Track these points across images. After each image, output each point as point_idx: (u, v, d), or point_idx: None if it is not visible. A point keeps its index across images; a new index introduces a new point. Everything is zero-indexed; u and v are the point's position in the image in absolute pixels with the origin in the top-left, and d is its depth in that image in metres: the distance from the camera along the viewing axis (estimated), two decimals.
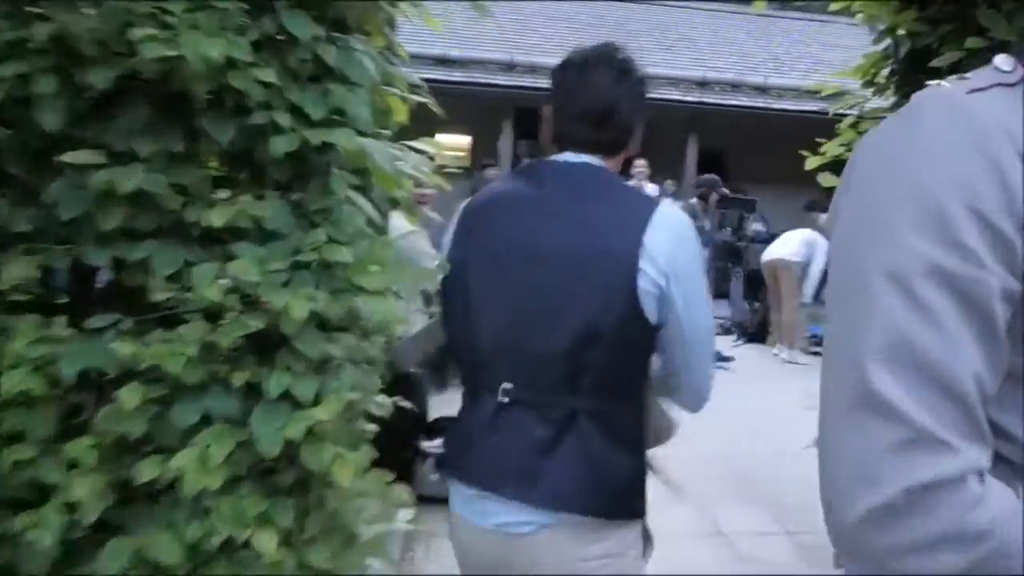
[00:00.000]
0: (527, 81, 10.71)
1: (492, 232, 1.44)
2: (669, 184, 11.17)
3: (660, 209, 1.38)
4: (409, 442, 4.15)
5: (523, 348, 1.38)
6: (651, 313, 1.34)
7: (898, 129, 0.77)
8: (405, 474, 3.90)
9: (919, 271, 0.68)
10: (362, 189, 1.62)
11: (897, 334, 0.68)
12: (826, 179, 2.53)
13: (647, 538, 1.53)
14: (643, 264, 1.31)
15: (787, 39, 13.88)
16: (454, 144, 14.34)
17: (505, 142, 10.95)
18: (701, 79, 11.31)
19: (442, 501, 1.59)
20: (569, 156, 1.44)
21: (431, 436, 4.26)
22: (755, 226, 11.79)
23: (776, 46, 13.46)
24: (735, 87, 11.40)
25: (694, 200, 7.59)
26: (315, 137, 1.38)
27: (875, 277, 0.70)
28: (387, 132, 1.85)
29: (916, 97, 0.77)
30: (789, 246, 7.99)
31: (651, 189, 8.63)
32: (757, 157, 12.21)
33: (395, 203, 1.86)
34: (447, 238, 1.54)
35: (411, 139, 1.91)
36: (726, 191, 7.47)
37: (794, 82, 11.71)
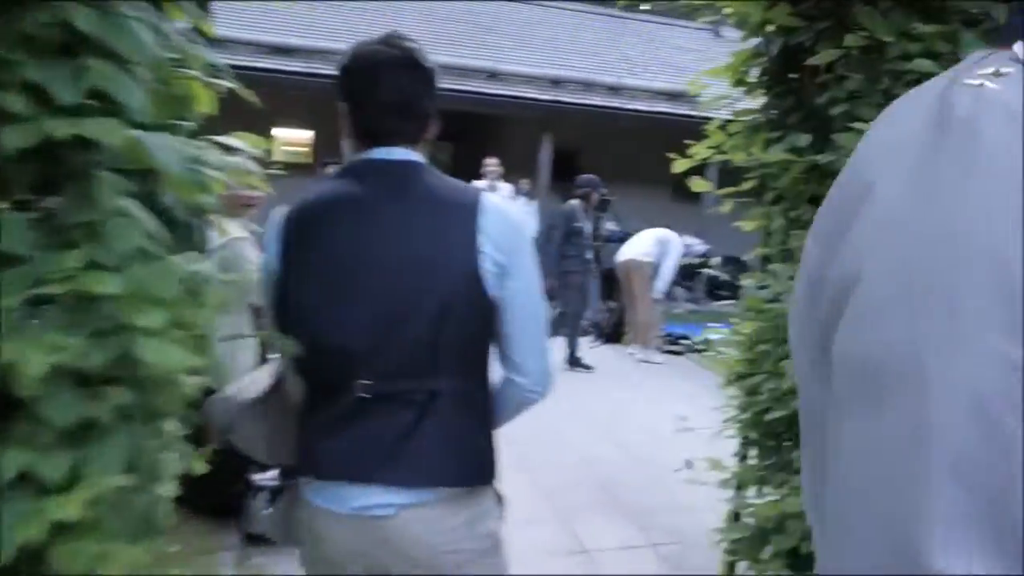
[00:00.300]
0: None
1: (329, 237, 1.44)
2: (524, 183, 11.09)
3: (483, 195, 1.48)
4: (239, 475, 3.74)
5: (381, 345, 1.41)
6: (494, 291, 1.44)
7: (942, 150, 0.51)
8: (234, 510, 3.51)
9: (1009, 393, 0.44)
10: (146, 197, 1.26)
11: (976, 491, 0.44)
12: (696, 184, 2.37)
13: (499, 498, 1.60)
14: (482, 245, 1.41)
15: (640, 40, 14.18)
16: (295, 139, 13.68)
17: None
18: (555, 78, 11.29)
19: (274, 542, 1.50)
20: (382, 151, 1.48)
21: (263, 467, 3.87)
22: (609, 225, 11.94)
23: (629, 47, 13.70)
24: (588, 87, 11.46)
25: (576, 201, 7.47)
26: (62, 128, 1.02)
27: (938, 389, 0.45)
28: (188, 125, 1.49)
29: (951, 97, 0.52)
30: (641, 246, 8.06)
31: (505, 189, 8.46)
32: (610, 157, 12.37)
33: (201, 212, 1.50)
34: (270, 245, 1.51)
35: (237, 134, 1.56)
36: (606, 191, 7.45)
37: (646, 83, 11.93)
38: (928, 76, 1.65)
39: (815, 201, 2.02)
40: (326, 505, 1.46)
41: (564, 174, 12.28)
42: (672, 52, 13.89)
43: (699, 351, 8.39)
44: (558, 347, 7.27)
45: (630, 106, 11.23)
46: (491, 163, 8.36)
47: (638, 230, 11.23)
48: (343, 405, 1.43)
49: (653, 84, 11.93)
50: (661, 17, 15.70)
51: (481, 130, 11.89)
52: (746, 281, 2.35)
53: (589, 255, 7.89)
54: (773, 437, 2.05)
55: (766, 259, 2.56)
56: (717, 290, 12.24)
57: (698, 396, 6.60)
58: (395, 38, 1.49)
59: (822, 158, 1.87)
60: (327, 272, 1.44)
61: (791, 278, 1.96)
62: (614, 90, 11.51)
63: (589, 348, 8.31)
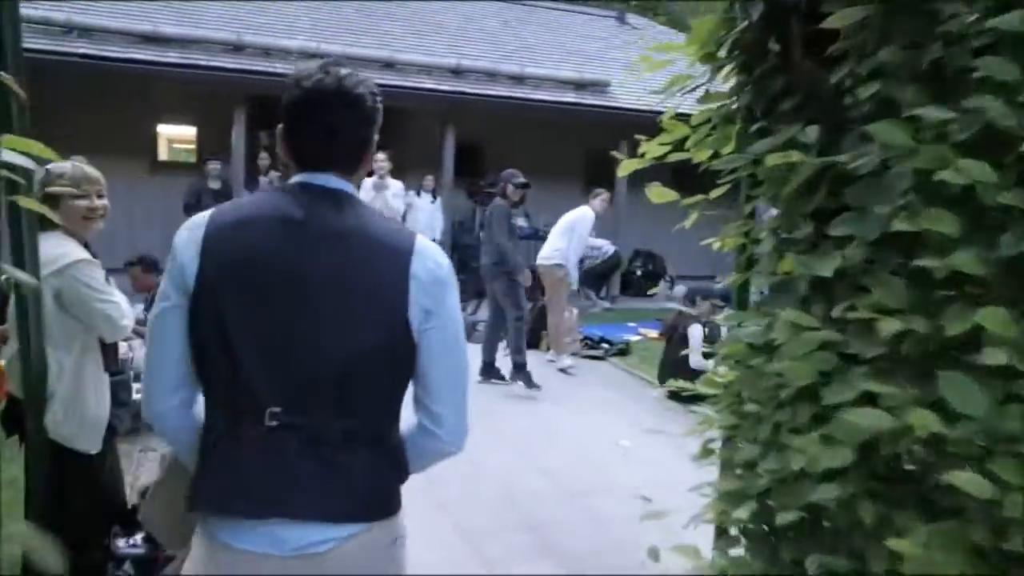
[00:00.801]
0: (260, 65, 9.40)
1: (253, 256, 1.38)
2: (428, 180, 10.42)
3: (419, 239, 1.46)
4: (99, 540, 3.02)
5: (293, 374, 1.37)
6: (417, 336, 1.42)
7: None
8: None
9: None
10: None
11: None
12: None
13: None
14: (413, 290, 1.40)
15: (542, 28, 13.68)
16: (179, 136, 12.56)
17: (238, 134, 9.55)
18: (456, 67, 10.65)
19: None
20: (315, 177, 1.45)
21: (128, 531, 3.15)
22: (519, 222, 11.41)
23: (531, 35, 13.18)
24: (491, 76, 10.87)
25: (501, 200, 6.89)
26: None
27: None
28: None
29: None
30: (547, 247, 7.58)
31: (394, 186, 7.75)
32: (516, 149, 11.82)
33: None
34: (184, 256, 1.40)
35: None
36: (523, 181, 6.92)
37: (550, 72, 11.43)
38: (1018, 38, 1.15)
39: (820, 216, 1.49)
40: (245, 546, 1.38)
41: (468, 169, 11.72)
42: (576, 40, 13.45)
43: (620, 354, 7.96)
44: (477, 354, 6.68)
45: (535, 96, 10.70)
46: (379, 158, 7.63)
47: (549, 226, 10.82)
48: (252, 435, 1.37)
49: (558, 73, 11.45)
50: (563, 4, 15.27)
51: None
52: (725, 319, 1.80)
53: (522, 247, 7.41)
54: (781, 537, 1.52)
55: (743, 288, 2.03)
56: (629, 288, 11.91)
57: (625, 407, 6.17)
58: (334, 66, 1.45)
59: (847, 159, 1.34)
60: (247, 292, 1.37)
61: (797, 324, 1.41)
62: (517, 79, 10.96)
63: (504, 355, 7.76)
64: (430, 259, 1.44)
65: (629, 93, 11.53)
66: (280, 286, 1.37)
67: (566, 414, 5.98)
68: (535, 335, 8.04)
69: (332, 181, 1.45)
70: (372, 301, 1.39)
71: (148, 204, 9.69)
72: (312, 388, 1.37)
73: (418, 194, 10.40)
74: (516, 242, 6.92)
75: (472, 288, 9.86)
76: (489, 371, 6.76)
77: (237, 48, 9.64)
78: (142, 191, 10.10)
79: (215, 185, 9.21)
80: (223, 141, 9.72)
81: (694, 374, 6.02)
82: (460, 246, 11.04)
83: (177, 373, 1.42)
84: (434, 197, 10.45)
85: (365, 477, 1.41)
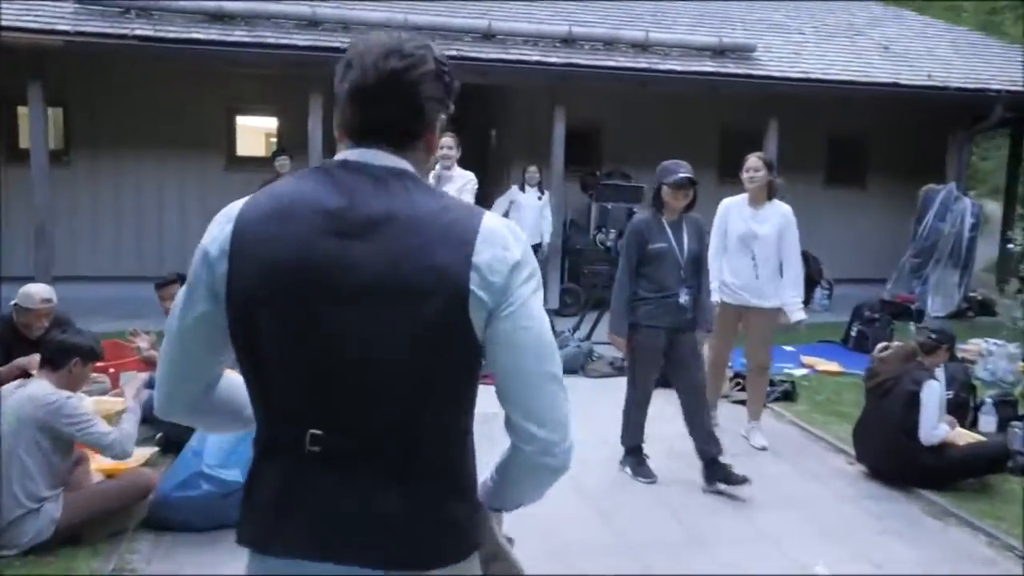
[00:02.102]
0: (338, 41, 8.02)
1: (281, 254, 1.17)
2: (533, 172, 8.78)
3: (487, 220, 1.22)
4: None
5: (336, 391, 1.18)
6: (484, 338, 1.20)
7: None
8: None
9: None
10: None
11: None
12: None
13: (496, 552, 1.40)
14: (475, 284, 1.16)
15: None
16: (260, 127, 11.46)
17: (314, 123, 8.22)
18: (566, 35, 8.96)
19: None
20: (364, 153, 1.24)
21: None
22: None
23: None
24: (608, 44, 9.12)
25: (648, 214, 4.94)
26: None
27: None
28: None
29: None
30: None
31: (462, 179, 6.00)
32: (637, 132, 10.04)
33: None
34: (214, 256, 1.21)
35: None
36: (685, 177, 4.99)
37: (680, 36, 9.55)
38: None
39: None
40: None
41: (582, 156, 10.04)
42: None
43: (784, 398, 6.08)
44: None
45: (662, 66, 8.85)
46: (444, 143, 5.93)
47: None
48: (292, 460, 1.19)
49: (691, 37, 9.55)
50: None
51: (477, 107, 9.62)
52: None
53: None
54: None
55: None
56: None
57: (810, 499, 4.14)
58: (405, 33, 1.27)
59: None
60: (282, 298, 1.17)
61: None
62: (640, 47, 9.15)
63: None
64: (499, 244, 1.19)
65: (780, 59, 9.51)
66: (319, 290, 1.16)
67: (729, 512, 4.20)
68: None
69: (380, 157, 1.23)
70: (427, 302, 1.15)
71: (225, 203, 8.50)
72: (359, 407, 1.18)
73: (522, 189, 8.79)
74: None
75: (586, 299, 8.20)
76: (636, 459, 4.58)
77: (312, 23, 8.30)
78: (217, 188, 9.02)
79: None
80: (305, 132, 8.43)
81: (926, 455, 4.24)
82: (572, 249, 9.37)
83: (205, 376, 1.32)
84: (541, 192, 8.82)
85: (426, 513, 1.19)
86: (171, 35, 7.63)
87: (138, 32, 7.55)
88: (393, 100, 1.22)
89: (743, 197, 5.04)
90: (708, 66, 9.03)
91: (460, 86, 1.29)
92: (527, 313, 1.19)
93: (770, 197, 4.96)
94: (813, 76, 9.27)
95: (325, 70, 7.82)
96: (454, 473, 1.24)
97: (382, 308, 1.15)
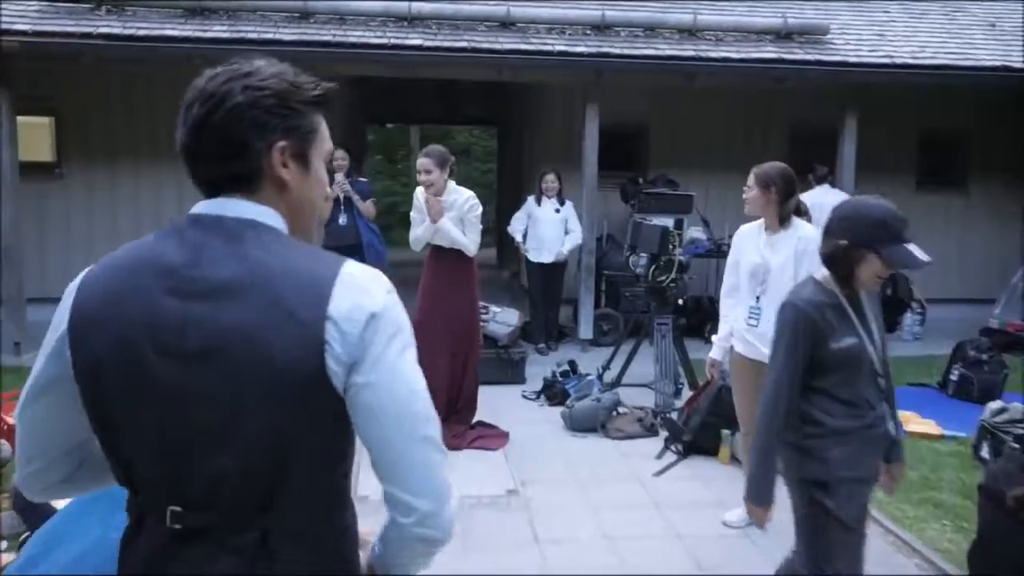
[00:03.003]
0: (330, 34, 6.96)
1: (119, 322, 1.10)
2: (550, 182, 7.52)
3: (345, 268, 1.13)
4: None
5: (191, 465, 1.10)
6: (346, 396, 1.11)
7: None
8: None
9: None
10: None
11: None
12: None
13: None
14: (330, 336, 1.08)
15: None
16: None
17: None
18: (600, 21, 7.68)
19: None
20: (214, 205, 1.15)
21: None
22: (694, 234, 8.31)
23: None
24: (650, 30, 7.79)
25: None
26: None
27: None
28: None
29: None
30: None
31: (455, 202, 4.94)
32: (686, 131, 8.68)
33: None
34: (61, 324, 1.15)
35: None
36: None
37: (737, 18, 8.14)
38: None
39: None
40: None
41: (619, 161, 8.73)
42: None
43: None
44: None
45: (715, 54, 7.47)
46: (422, 166, 4.91)
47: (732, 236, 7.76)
48: (156, 539, 1.12)
49: (750, 19, 8.12)
50: None
51: (507, 104, 8.45)
52: None
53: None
54: None
55: None
56: None
57: None
58: (237, 64, 1.17)
59: None
60: (124, 369, 1.09)
61: None
62: (688, 32, 7.79)
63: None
64: (357, 290, 1.10)
65: (859, 42, 8.00)
66: (162, 353, 1.08)
67: None
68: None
69: (234, 207, 1.14)
70: (280, 359, 1.05)
71: None
72: (216, 480, 1.09)
73: (538, 201, 7.56)
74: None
75: (626, 327, 6.92)
76: None
77: (303, 15, 7.27)
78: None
79: None
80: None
81: None
82: (609, 269, 8.08)
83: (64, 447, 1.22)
84: (560, 203, 7.55)
85: None
86: (140, 32, 6.71)
87: (103, 30, 6.67)
88: (211, 148, 1.14)
89: (761, 223, 3.80)
90: (770, 52, 7.60)
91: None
92: (391, 376, 1.10)
93: (783, 220, 3.68)
94: (900, 61, 7.70)
95: (318, 69, 6.77)
96: (324, 540, 1.15)
97: (232, 370, 1.06)
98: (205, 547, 1.09)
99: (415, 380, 1.13)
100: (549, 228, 7.43)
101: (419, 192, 5.06)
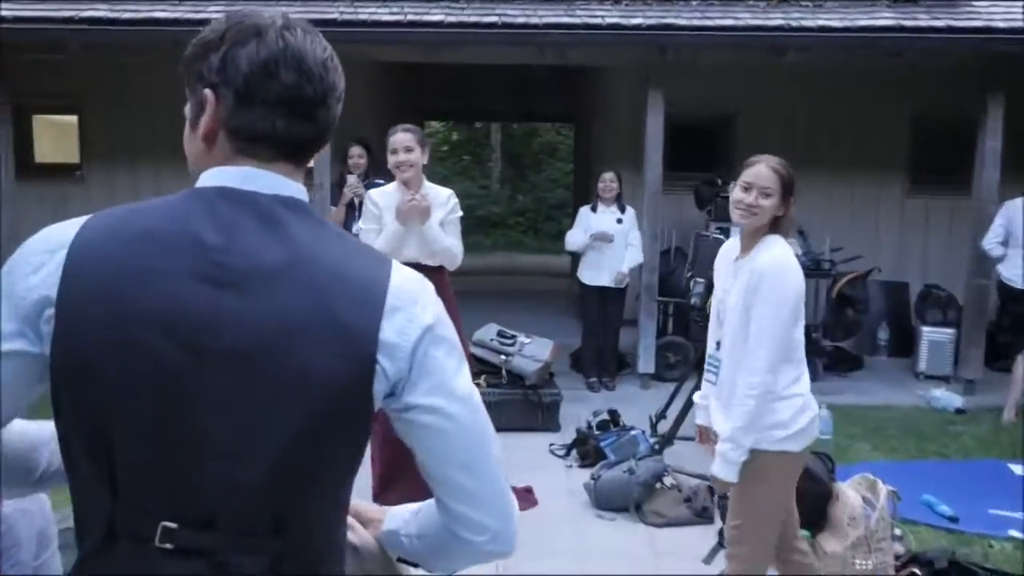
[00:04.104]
0: (336, 11, 5.95)
1: (129, 295, 0.93)
2: (608, 183, 6.20)
3: (396, 275, 1.03)
4: None
5: (199, 477, 0.96)
6: (397, 410, 1.05)
7: None
8: None
9: None
10: None
11: None
12: None
13: None
14: (380, 355, 0.98)
15: None
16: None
17: None
18: None
19: None
20: (248, 175, 1.00)
21: None
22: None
23: None
24: None
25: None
26: None
27: None
28: None
29: None
30: None
31: (439, 199, 3.83)
32: (776, 122, 7.20)
33: None
34: (37, 287, 0.95)
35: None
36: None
37: None
38: None
39: None
40: None
41: (690, 159, 7.33)
42: None
43: None
44: None
45: (812, 23, 5.97)
46: (400, 144, 3.77)
47: (839, 253, 6.22)
48: (134, 559, 0.96)
49: None
50: None
51: (578, 101, 7.26)
52: None
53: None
54: None
55: None
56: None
57: None
58: (289, 18, 1.03)
59: None
60: (134, 355, 0.93)
61: None
62: None
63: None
64: (410, 301, 1.02)
65: (1007, 2, 6.30)
66: (184, 355, 0.93)
67: None
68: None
69: (268, 180, 1.01)
70: (324, 372, 0.95)
71: None
72: (223, 498, 0.96)
73: (593, 208, 6.26)
74: None
75: (696, 358, 5.55)
76: None
77: None
78: None
79: None
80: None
81: None
82: (676, 290, 6.66)
83: None
84: (621, 210, 6.23)
85: None
86: (126, 15, 5.88)
87: (87, 14, 5.88)
88: (324, 116, 1.04)
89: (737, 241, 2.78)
90: (885, 18, 6.03)
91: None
92: (457, 399, 1.03)
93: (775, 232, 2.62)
94: None
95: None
96: (334, 559, 1.07)
97: (267, 379, 0.94)
98: (199, 572, 0.95)
99: (477, 398, 1.06)
100: (611, 243, 6.13)
101: (375, 194, 3.95)
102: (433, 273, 3.89)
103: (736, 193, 2.57)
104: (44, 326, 0.94)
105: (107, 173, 7.98)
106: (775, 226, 2.58)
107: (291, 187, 1.01)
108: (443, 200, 3.90)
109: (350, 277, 0.98)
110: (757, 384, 2.48)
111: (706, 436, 2.90)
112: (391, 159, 3.79)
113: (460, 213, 3.98)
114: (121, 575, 0.95)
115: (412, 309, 1.00)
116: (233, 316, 0.93)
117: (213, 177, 1.00)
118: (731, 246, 2.79)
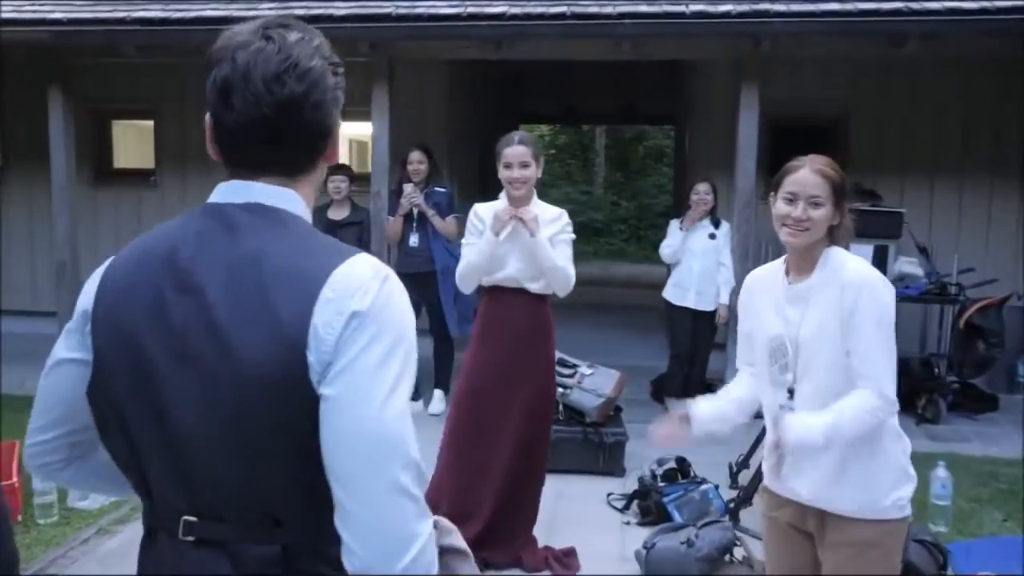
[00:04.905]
0: (392, 5, 5.51)
1: (129, 312, 1.06)
2: (701, 195, 5.47)
3: (351, 261, 1.03)
4: None
5: (198, 472, 1.05)
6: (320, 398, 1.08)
7: None
8: None
9: None
10: None
11: None
12: None
13: None
14: (313, 335, 0.99)
15: None
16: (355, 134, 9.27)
17: (380, 128, 5.86)
18: None
19: None
20: (234, 189, 1.09)
21: None
22: (905, 267, 5.94)
23: None
24: None
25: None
26: None
27: None
28: None
29: None
30: None
31: (547, 217, 3.33)
32: (895, 125, 6.39)
33: None
34: (83, 308, 1.11)
35: None
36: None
37: None
38: None
39: None
40: None
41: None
42: None
43: None
44: None
45: (933, 4, 5.06)
46: (516, 157, 3.38)
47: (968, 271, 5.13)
48: (171, 552, 1.07)
49: None
50: None
51: (678, 100, 6.60)
52: None
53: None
54: None
55: None
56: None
57: None
58: (279, 25, 1.08)
59: None
60: (136, 362, 1.05)
61: None
62: None
63: None
64: (349, 286, 1.00)
65: None
66: (167, 359, 1.03)
67: None
68: None
69: (253, 192, 1.08)
70: (263, 366, 0.98)
71: None
72: (216, 491, 1.04)
73: (681, 224, 5.56)
74: None
75: None
76: None
77: None
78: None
79: (338, 214, 5.74)
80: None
81: None
82: None
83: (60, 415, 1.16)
84: (715, 225, 5.49)
85: None
86: (176, 15, 5.63)
87: (139, 15, 5.67)
88: (275, 133, 1.06)
89: (778, 265, 2.25)
90: None
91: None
92: (361, 390, 0.97)
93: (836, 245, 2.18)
94: None
95: (388, 51, 4.70)
96: (326, 535, 1.03)
97: (217, 376, 0.99)
98: (220, 560, 1.03)
99: (392, 402, 0.98)
100: (700, 259, 5.46)
101: (481, 209, 3.51)
102: (532, 296, 3.43)
103: (780, 207, 2.08)
104: (86, 339, 1.07)
105: (181, 178, 7.87)
106: (830, 238, 2.15)
107: (263, 193, 1.05)
108: (554, 217, 3.46)
109: (293, 273, 0.99)
110: (886, 407, 2.03)
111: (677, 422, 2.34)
112: (503, 173, 3.34)
113: (573, 235, 3.50)
114: (162, 568, 1.07)
115: (346, 300, 0.98)
116: (194, 320, 0.99)
117: (213, 194, 1.08)
118: (768, 274, 2.28)
